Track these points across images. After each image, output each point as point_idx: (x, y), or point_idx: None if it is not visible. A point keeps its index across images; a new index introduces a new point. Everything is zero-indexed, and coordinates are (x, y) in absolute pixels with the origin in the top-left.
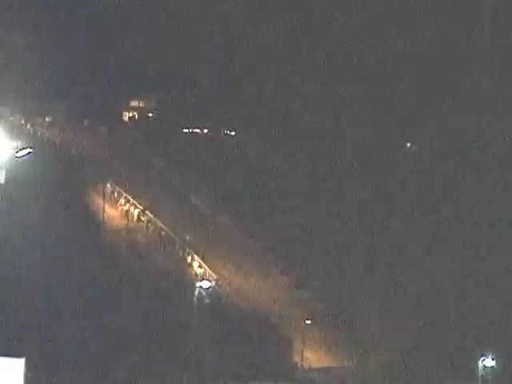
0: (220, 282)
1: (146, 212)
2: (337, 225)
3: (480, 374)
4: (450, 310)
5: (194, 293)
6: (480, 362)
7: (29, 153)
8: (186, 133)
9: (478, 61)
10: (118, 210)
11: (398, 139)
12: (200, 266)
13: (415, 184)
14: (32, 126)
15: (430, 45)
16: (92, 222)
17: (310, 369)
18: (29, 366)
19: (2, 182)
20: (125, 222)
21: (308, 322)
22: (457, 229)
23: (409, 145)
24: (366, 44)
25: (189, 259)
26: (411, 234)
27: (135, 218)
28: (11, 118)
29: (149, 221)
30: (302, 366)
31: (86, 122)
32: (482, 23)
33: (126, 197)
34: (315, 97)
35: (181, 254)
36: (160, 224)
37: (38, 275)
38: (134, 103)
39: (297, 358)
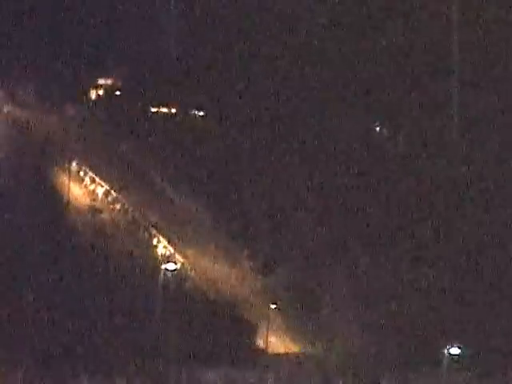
0: (186, 265)
1: (112, 192)
2: (306, 209)
3: (446, 362)
4: (418, 299)
5: (159, 275)
6: (446, 350)
7: None
8: (154, 112)
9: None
10: (84, 189)
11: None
12: (165, 248)
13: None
14: None
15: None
16: (56, 202)
17: (274, 354)
18: None
19: None
20: (89, 201)
21: (273, 306)
22: (428, 220)
23: (378, 129)
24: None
25: (154, 241)
26: (382, 220)
27: (100, 197)
28: None
29: (114, 201)
30: (266, 351)
31: (51, 101)
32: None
33: (91, 176)
34: (287, 77)
35: (146, 235)
36: (125, 205)
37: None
38: (101, 81)
39: (261, 344)
